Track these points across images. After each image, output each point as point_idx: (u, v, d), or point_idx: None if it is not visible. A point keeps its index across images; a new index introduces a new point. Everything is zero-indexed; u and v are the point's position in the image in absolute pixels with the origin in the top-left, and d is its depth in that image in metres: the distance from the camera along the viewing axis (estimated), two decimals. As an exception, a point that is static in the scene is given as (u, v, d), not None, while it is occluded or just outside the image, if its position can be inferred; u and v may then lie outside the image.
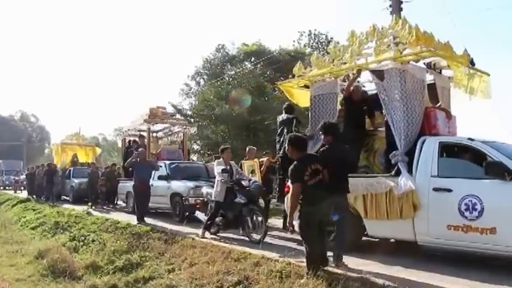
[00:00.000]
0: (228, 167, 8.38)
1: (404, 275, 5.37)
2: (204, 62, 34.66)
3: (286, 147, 5.75)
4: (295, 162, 5.42)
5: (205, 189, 9.48)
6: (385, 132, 6.92)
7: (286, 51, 32.31)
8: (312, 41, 35.35)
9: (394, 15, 13.69)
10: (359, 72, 7.23)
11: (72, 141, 24.16)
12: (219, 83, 27.60)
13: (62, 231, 11.77)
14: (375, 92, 7.35)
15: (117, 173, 16.76)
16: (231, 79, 28.38)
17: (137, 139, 15.85)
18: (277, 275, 5.79)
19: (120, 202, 16.29)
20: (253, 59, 31.94)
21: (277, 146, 8.60)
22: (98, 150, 26.17)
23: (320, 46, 35.46)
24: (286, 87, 8.80)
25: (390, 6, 14.07)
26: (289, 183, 7.12)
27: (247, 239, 7.94)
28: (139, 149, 12.45)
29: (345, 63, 7.44)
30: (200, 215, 9.33)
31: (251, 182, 8.45)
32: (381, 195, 6.33)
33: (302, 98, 8.69)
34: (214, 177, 11.90)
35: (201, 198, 10.20)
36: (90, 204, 15.50)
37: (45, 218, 13.99)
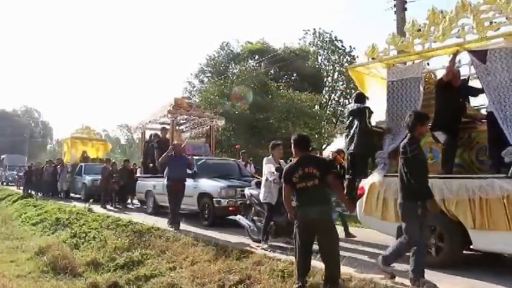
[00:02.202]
0: (278, 166, 7.36)
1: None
2: (208, 60, 34.76)
3: (293, 147, 5.29)
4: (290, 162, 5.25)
5: (248, 191, 8.20)
6: (487, 125, 5.95)
7: (291, 50, 32.37)
8: (316, 40, 35.46)
9: (397, 14, 13.67)
10: (456, 53, 6.28)
11: (82, 135, 22.88)
12: (222, 81, 27.57)
13: (62, 227, 11.70)
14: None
15: (129, 170, 15.80)
16: (234, 77, 28.37)
17: (159, 132, 14.36)
18: (279, 274, 5.78)
19: (135, 201, 15.58)
20: (257, 57, 31.97)
21: (346, 140, 7.58)
22: (109, 146, 25.27)
23: (325, 45, 35.59)
24: (356, 72, 7.68)
25: (394, 6, 13.99)
26: (361, 184, 6.75)
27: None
28: (175, 142, 10.88)
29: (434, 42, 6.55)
30: (243, 220, 8.08)
31: None
32: (496, 201, 5.28)
33: (373, 86, 7.77)
34: (247, 176, 11.49)
35: (234, 200, 9.48)
36: (91, 201, 15.22)
37: (46, 214, 13.93)
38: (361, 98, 7.56)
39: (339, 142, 32.93)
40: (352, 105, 7.57)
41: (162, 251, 8.07)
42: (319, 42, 35.56)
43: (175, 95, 15.79)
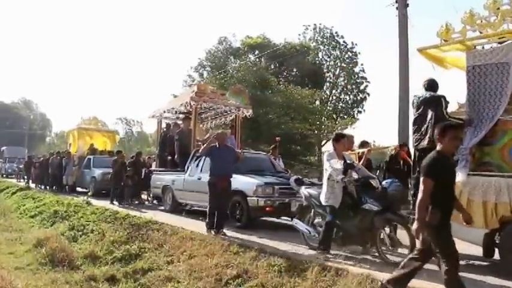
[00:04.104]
0: (348, 162, 6.24)
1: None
2: (207, 54, 34.80)
3: (438, 135, 4.20)
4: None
5: (306, 190, 6.92)
6: None
7: (291, 45, 32.35)
8: (316, 35, 35.45)
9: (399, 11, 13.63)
10: None
11: (89, 126, 21.94)
12: (222, 75, 27.59)
13: (61, 220, 11.72)
14: None
15: (143, 163, 14.80)
16: (234, 72, 28.40)
17: (178, 122, 13.32)
18: (276, 269, 5.81)
19: (148, 197, 14.77)
20: (257, 52, 31.98)
21: (415, 134, 6.57)
22: (118, 137, 24.83)
23: (325, 40, 35.59)
24: (428, 54, 6.73)
25: (396, 2, 13.95)
26: None
27: (375, 258, 6.04)
28: (220, 131, 9.54)
29: None
30: (300, 225, 6.86)
31: (389, 181, 6.46)
32: None
33: (456, 62, 6.80)
34: (281, 172, 10.54)
35: (271, 199, 8.50)
36: (89, 194, 14.99)
37: (45, 206, 13.95)
38: (433, 85, 6.57)
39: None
40: (424, 94, 6.53)
41: (159, 244, 8.08)
42: (319, 38, 35.58)
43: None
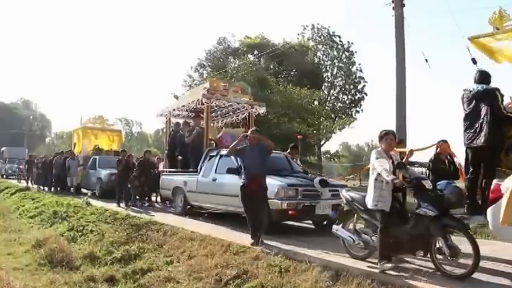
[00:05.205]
0: (391, 161, 5.57)
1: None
2: (207, 54, 34.84)
3: None
4: None
5: (347, 193, 6.34)
6: None
7: (290, 45, 32.37)
8: (315, 35, 35.50)
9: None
10: None
11: (95, 125, 21.19)
12: (221, 75, 27.61)
13: (60, 220, 11.71)
14: None
15: (151, 163, 14.09)
16: (234, 71, 28.40)
17: (189, 120, 12.75)
18: (277, 269, 5.78)
19: (158, 199, 14.25)
20: (256, 51, 32.00)
21: (467, 132, 5.97)
22: (123, 137, 24.23)
23: (323, 40, 35.64)
24: (479, 44, 6.23)
25: (393, 1, 13.97)
26: (493, 185, 5.22)
27: (429, 269, 5.40)
28: (253, 128, 8.49)
29: None
30: (342, 232, 6.26)
31: (445, 183, 5.79)
32: None
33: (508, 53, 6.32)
34: (300, 172, 9.78)
35: (295, 202, 7.85)
36: (89, 194, 14.87)
37: (44, 207, 13.93)
38: (486, 77, 5.98)
39: (338, 138, 33.11)
40: (475, 87, 5.92)
41: (159, 245, 8.07)
42: (317, 38, 35.66)
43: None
